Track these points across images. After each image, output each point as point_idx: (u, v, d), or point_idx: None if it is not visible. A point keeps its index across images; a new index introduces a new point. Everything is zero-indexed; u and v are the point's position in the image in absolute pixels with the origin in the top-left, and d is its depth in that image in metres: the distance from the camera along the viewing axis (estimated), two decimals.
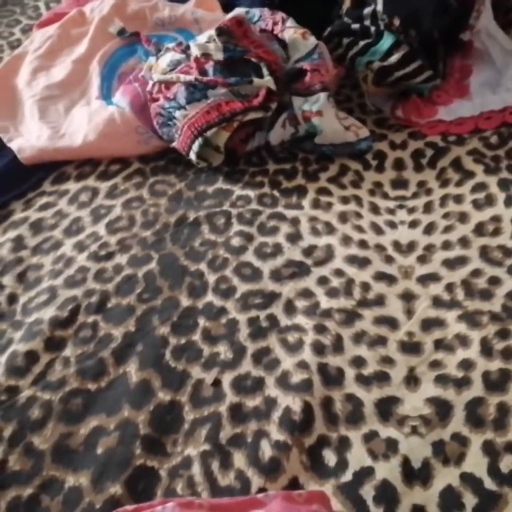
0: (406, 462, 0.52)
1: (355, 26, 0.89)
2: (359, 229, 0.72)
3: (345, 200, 0.75)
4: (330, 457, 0.53)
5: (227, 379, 0.59)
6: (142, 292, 0.66)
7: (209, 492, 0.51)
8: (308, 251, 0.70)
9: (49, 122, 0.86)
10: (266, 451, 0.53)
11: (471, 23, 0.91)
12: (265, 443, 0.54)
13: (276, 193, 0.77)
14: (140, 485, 0.52)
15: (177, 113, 0.79)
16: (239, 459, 0.53)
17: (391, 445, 0.53)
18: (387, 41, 0.85)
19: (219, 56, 0.81)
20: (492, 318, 0.61)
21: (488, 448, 0.52)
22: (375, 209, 0.74)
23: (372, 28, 0.88)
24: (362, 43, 0.87)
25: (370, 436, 0.54)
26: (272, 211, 0.75)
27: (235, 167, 0.81)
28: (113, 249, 0.71)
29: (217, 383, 0.58)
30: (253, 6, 0.92)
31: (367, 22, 0.90)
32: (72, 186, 0.80)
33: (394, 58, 0.84)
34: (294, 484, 0.51)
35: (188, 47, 0.84)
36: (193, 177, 0.80)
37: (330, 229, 0.72)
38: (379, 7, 0.87)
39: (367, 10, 0.90)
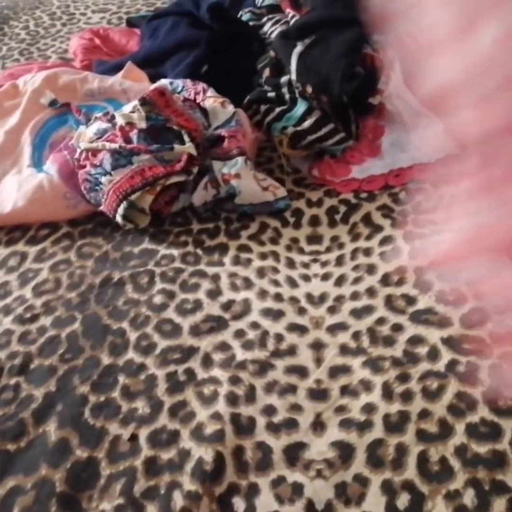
0: (310, 505, 0.54)
1: (271, 94, 0.95)
2: (275, 283, 0.76)
3: (263, 256, 0.80)
4: (239, 504, 0.55)
5: (143, 434, 0.61)
6: (65, 352, 0.69)
7: None
8: (227, 305, 0.73)
9: None
10: (178, 501, 0.55)
11: (381, 87, 0.98)
12: (177, 493, 0.56)
13: (199, 251, 0.81)
14: None
15: (103, 179, 0.83)
16: (151, 510, 0.55)
17: (297, 489, 0.55)
18: (300, 108, 0.92)
19: (143, 124, 0.86)
20: (394, 363, 0.64)
21: (386, 487, 0.55)
22: (291, 264, 0.78)
23: (287, 96, 0.94)
24: (278, 109, 0.93)
25: (278, 482, 0.56)
26: (194, 269, 0.78)
27: (160, 228, 0.85)
28: (38, 312, 0.73)
29: (134, 438, 0.60)
30: (178, 77, 0.98)
31: (284, 90, 0.97)
32: (1, 251, 0.83)
33: (306, 123, 0.90)
34: None
35: (114, 117, 0.89)
36: (120, 239, 0.84)
37: (248, 284, 0.76)
38: (293, 76, 0.94)
39: (284, 79, 0.97)
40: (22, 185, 0.88)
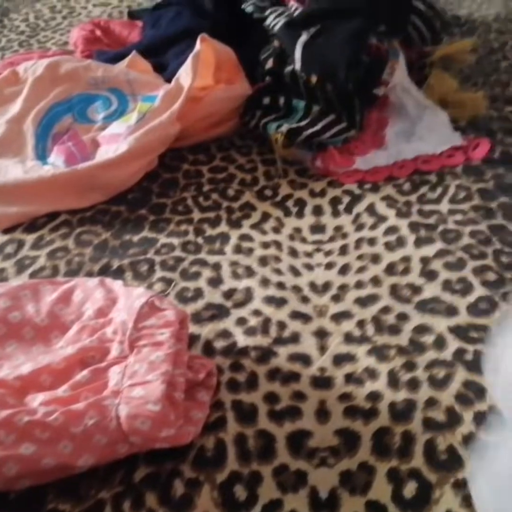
0: (313, 493, 0.53)
1: (266, 100, 0.94)
2: (278, 272, 0.74)
3: (265, 245, 0.78)
4: (241, 493, 0.53)
5: None
6: None
7: None
8: (228, 294, 0.72)
9: None
10: (178, 489, 0.53)
11: (385, 78, 0.97)
12: (178, 481, 0.54)
13: (199, 240, 0.80)
14: None
15: None
16: (151, 498, 0.53)
17: (300, 477, 0.54)
18: (297, 115, 0.91)
19: None
20: (399, 352, 0.63)
21: (393, 476, 0.53)
22: (294, 253, 0.77)
23: (282, 100, 0.93)
24: (273, 115, 0.92)
25: (281, 470, 0.54)
26: (195, 258, 0.77)
27: (161, 216, 0.83)
28: None
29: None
30: (181, 66, 0.96)
31: (287, 80, 0.96)
32: None
33: (303, 122, 0.89)
34: None
35: None
36: (119, 227, 0.82)
37: (250, 272, 0.74)
38: (297, 66, 0.93)
39: (287, 69, 0.96)
40: (28, 173, 0.86)
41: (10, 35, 1.35)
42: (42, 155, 0.92)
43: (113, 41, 1.20)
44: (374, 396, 0.59)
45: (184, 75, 0.91)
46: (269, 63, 1.00)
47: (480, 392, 0.58)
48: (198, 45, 0.92)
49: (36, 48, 1.28)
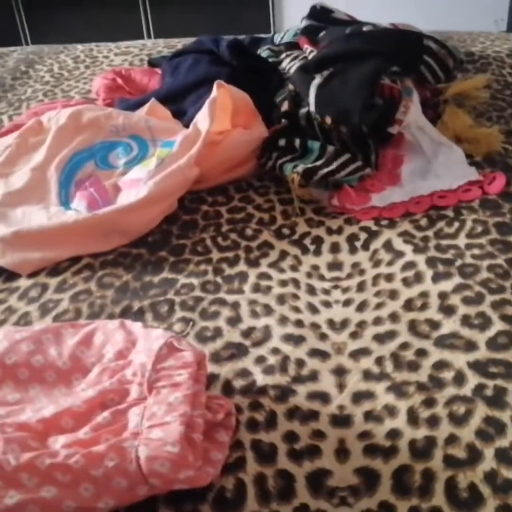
0: None
1: (282, 142, 0.96)
2: (296, 309, 0.75)
3: (283, 283, 0.79)
4: None
5: None
6: None
7: None
8: (247, 332, 0.72)
9: (6, 224, 0.90)
10: None
11: (399, 117, 0.98)
12: None
13: (218, 279, 0.81)
14: None
15: None
16: None
17: None
18: (312, 155, 0.92)
19: None
20: (419, 388, 0.63)
21: None
22: (311, 290, 0.78)
23: (297, 141, 0.94)
24: (289, 156, 0.94)
25: (301, 510, 0.54)
26: (214, 297, 0.78)
27: (180, 257, 0.85)
28: None
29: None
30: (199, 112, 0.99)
31: (302, 123, 0.98)
32: (23, 283, 0.83)
33: (319, 162, 0.91)
34: None
35: None
36: (140, 269, 0.84)
37: (268, 310, 0.75)
38: (312, 108, 0.95)
39: (302, 112, 0.99)
40: (51, 219, 0.89)
41: (36, 86, 1.40)
42: (65, 201, 0.95)
43: (133, 89, 1.24)
44: (393, 434, 0.59)
45: (202, 120, 0.94)
46: (285, 106, 1.02)
47: (500, 428, 0.58)
48: (214, 91, 0.95)
49: (60, 97, 1.33)
